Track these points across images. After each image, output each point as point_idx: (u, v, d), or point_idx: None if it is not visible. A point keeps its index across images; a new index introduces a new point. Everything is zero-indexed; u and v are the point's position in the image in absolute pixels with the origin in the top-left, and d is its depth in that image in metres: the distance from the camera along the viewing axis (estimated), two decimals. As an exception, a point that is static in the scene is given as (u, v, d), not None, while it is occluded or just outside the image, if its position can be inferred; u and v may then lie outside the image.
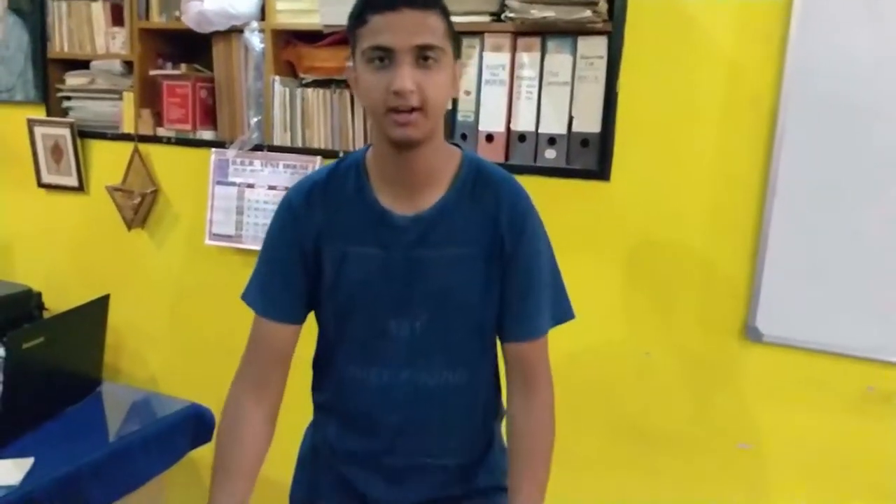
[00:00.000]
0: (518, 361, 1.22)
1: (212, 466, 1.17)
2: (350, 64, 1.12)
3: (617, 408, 1.97)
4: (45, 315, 2.57)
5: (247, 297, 1.24)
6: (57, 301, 2.54)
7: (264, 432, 1.20)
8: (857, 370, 1.73)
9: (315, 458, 1.32)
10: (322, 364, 1.26)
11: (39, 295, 2.58)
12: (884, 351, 1.70)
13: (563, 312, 1.24)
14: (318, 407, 1.30)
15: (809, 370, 1.77)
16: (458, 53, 1.14)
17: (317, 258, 1.19)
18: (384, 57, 1.03)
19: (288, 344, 1.22)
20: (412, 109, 1.04)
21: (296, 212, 1.19)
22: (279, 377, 1.22)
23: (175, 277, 2.53)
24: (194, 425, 1.97)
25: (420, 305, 1.16)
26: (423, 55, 1.04)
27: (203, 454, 2.11)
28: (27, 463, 1.61)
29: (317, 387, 1.29)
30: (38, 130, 2.63)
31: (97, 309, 2.02)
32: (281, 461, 1.25)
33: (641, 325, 1.92)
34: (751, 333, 1.80)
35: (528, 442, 1.20)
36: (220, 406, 2.01)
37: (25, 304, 2.50)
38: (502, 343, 1.24)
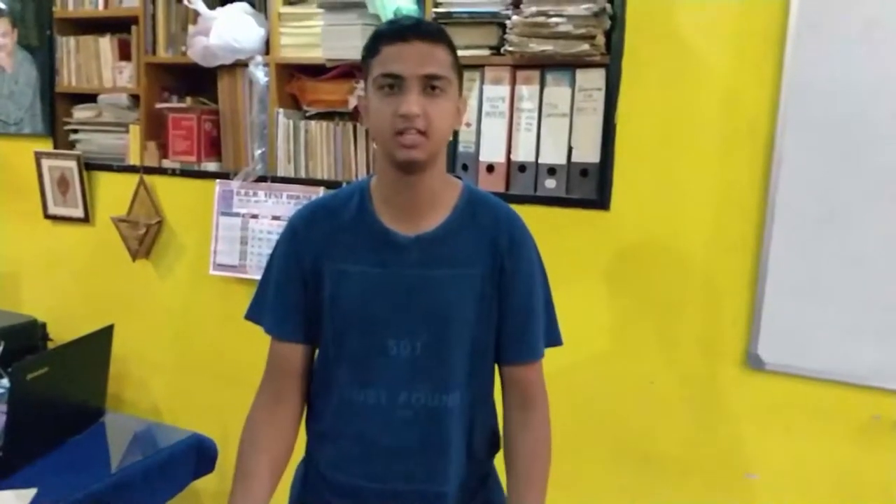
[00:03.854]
0: (516, 383, 1.26)
1: (233, 477, 1.20)
2: (361, 94, 1.18)
3: (620, 436, 1.96)
4: (50, 345, 2.59)
5: (252, 315, 1.28)
6: (62, 331, 2.55)
7: (282, 443, 1.24)
8: (863, 398, 1.72)
9: (307, 494, 1.32)
10: (320, 388, 1.27)
11: (44, 325, 2.60)
12: (889, 378, 1.69)
13: (554, 337, 1.28)
14: (313, 437, 1.30)
15: (814, 398, 1.76)
16: (461, 85, 1.19)
17: (317, 277, 1.22)
18: (394, 84, 1.10)
19: (298, 362, 1.26)
20: (418, 132, 1.10)
21: (298, 233, 1.24)
22: (294, 393, 1.26)
23: (179, 308, 2.54)
24: (197, 455, 1.97)
25: (421, 324, 1.18)
26: (430, 84, 1.10)
27: (206, 485, 2.11)
28: (30, 493, 1.61)
29: (312, 415, 1.30)
30: (46, 163, 2.67)
31: (101, 339, 2.03)
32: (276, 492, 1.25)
33: (644, 353, 1.92)
34: (753, 361, 1.80)
35: (527, 456, 1.23)
36: (223, 435, 2.03)
37: (31, 335, 2.51)
38: (500, 365, 1.27)
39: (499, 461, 1.33)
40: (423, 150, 1.11)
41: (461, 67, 1.18)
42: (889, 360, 1.68)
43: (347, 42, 2.07)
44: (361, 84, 2.12)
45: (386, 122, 1.10)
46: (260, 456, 1.20)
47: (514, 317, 1.23)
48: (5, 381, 2.14)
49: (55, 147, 2.66)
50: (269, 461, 1.21)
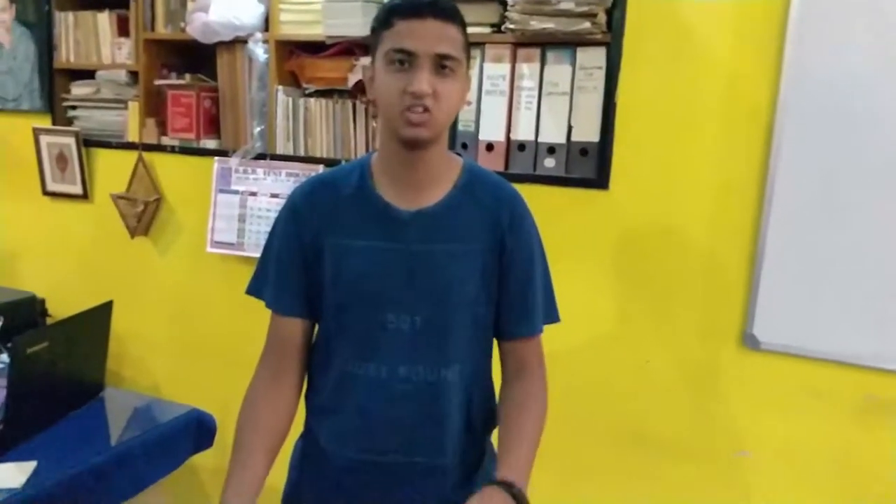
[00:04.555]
0: (515, 357, 1.27)
1: (231, 453, 1.21)
2: (367, 64, 1.17)
3: (617, 415, 1.98)
4: (49, 321, 2.60)
5: (253, 289, 1.29)
6: (61, 308, 2.56)
7: (280, 419, 1.24)
8: (856, 378, 1.74)
9: (306, 468, 1.33)
10: (320, 362, 1.28)
11: (43, 301, 2.61)
12: (882, 359, 1.71)
13: (552, 314, 1.29)
14: (313, 412, 1.31)
15: (808, 378, 1.78)
16: (469, 63, 1.19)
17: (318, 252, 1.22)
18: (405, 60, 1.09)
19: (297, 337, 1.26)
20: (425, 109, 1.09)
21: (298, 208, 1.24)
22: (293, 368, 1.27)
23: (177, 285, 2.55)
24: (196, 431, 1.98)
25: (421, 299, 1.19)
26: (441, 63, 1.10)
27: (205, 460, 2.13)
28: (30, 466, 1.62)
29: (312, 389, 1.31)
30: (44, 139, 2.66)
31: (101, 315, 2.04)
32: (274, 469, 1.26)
33: (641, 333, 1.94)
34: (749, 341, 1.81)
35: (517, 408, 1.23)
36: (222, 411, 2.04)
37: (30, 311, 2.53)
38: (500, 340, 1.28)
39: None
40: (429, 128, 1.11)
41: (470, 47, 1.18)
42: (882, 340, 1.70)
43: (348, 19, 2.06)
44: (361, 61, 2.12)
45: (395, 98, 1.10)
46: (258, 432, 1.21)
47: (514, 293, 1.24)
48: (5, 357, 2.15)
49: (54, 123, 2.66)
50: (267, 437, 1.21)
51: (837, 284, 1.72)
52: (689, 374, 1.90)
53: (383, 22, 1.12)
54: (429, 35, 1.08)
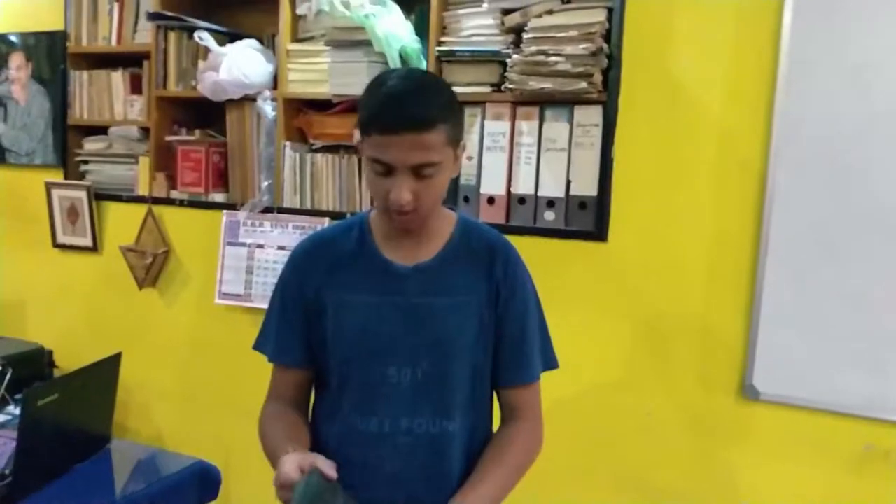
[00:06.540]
0: (513, 405, 1.30)
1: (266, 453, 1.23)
2: (358, 137, 1.21)
3: (620, 465, 1.98)
4: (56, 373, 2.62)
5: (258, 345, 1.33)
6: (68, 359, 2.58)
7: (299, 426, 1.27)
8: (855, 428, 1.75)
9: None
10: (324, 416, 1.31)
11: (51, 353, 2.63)
12: (881, 409, 1.72)
13: (550, 360, 1.31)
14: None
15: (808, 428, 1.79)
16: (460, 138, 1.21)
17: (320, 308, 1.26)
18: (385, 168, 1.13)
19: (301, 387, 1.31)
20: (410, 211, 1.15)
21: (300, 264, 1.29)
22: (297, 410, 1.32)
23: (184, 336, 2.58)
24: (201, 482, 1.98)
25: (421, 352, 1.22)
26: (420, 171, 1.13)
27: (209, 512, 2.12)
28: (37, 520, 1.63)
29: (317, 444, 1.32)
30: (56, 193, 2.73)
31: (110, 367, 2.05)
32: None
33: (641, 384, 1.95)
34: (749, 392, 1.83)
35: (506, 436, 1.26)
36: (226, 462, 2.05)
37: (37, 362, 2.55)
38: (497, 388, 1.31)
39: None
40: (417, 223, 1.18)
41: (458, 126, 1.20)
42: (880, 390, 1.72)
43: (353, 78, 2.14)
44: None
45: (380, 197, 1.16)
46: (286, 429, 1.23)
47: (509, 341, 1.27)
48: (11, 408, 2.17)
49: (66, 177, 2.73)
50: (294, 432, 1.23)
51: (836, 333, 1.75)
52: (692, 424, 1.91)
53: (363, 126, 1.14)
54: (406, 148, 1.10)
